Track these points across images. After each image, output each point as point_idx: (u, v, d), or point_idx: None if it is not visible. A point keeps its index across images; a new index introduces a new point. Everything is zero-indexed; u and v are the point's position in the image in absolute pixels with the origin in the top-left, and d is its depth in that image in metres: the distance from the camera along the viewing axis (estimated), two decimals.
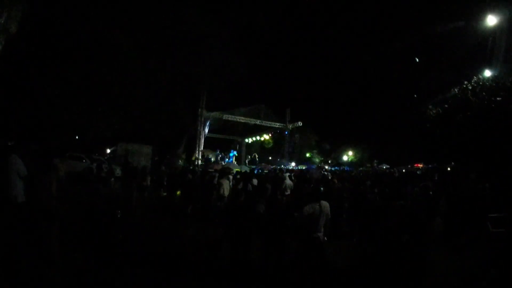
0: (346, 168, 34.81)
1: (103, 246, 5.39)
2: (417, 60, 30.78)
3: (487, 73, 14.96)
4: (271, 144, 32.46)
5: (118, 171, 15.40)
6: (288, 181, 9.97)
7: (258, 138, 32.07)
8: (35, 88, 17.05)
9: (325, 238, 4.40)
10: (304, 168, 27.10)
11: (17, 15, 13.14)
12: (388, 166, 33.31)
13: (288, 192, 9.34)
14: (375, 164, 38.79)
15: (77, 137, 22.69)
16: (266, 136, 30.65)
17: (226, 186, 8.96)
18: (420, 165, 28.63)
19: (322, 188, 4.73)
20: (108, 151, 26.36)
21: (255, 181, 9.93)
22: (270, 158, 38.76)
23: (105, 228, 5.53)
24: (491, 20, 14.22)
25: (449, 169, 17.26)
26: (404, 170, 23.35)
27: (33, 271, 4.30)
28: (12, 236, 4.63)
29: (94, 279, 4.53)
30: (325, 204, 4.41)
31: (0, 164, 5.25)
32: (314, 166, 31.48)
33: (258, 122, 26.86)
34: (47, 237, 4.48)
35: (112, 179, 13.29)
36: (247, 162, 29.07)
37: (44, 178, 4.91)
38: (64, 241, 4.94)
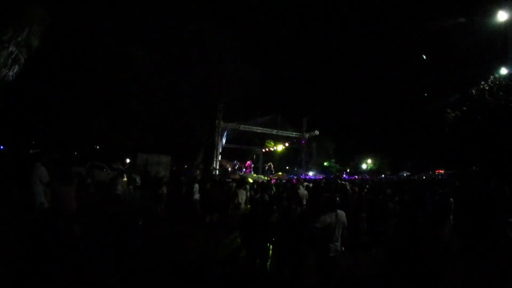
0: (366, 176, 34.27)
1: (124, 252, 5.54)
2: (425, 57, 30.19)
3: (503, 71, 14.51)
4: (284, 149, 32.37)
5: (138, 181, 15.75)
6: (303, 191, 9.92)
7: (275, 148, 32.08)
8: (58, 100, 17.75)
9: (343, 248, 4.35)
10: (321, 177, 26.86)
11: (39, 30, 13.75)
12: (408, 173, 32.57)
13: (304, 202, 9.30)
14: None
15: (97, 147, 23.36)
16: (282, 146, 30.61)
17: (242, 196, 9.02)
18: (442, 171, 27.88)
19: (338, 198, 4.67)
20: (128, 160, 26.95)
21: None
22: (287, 167, 38.59)
23: (126, 235, 5.67)
24: (502, 16, 13.81)
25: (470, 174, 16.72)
26: (424, 177, 22.81)
27: (60, 272, 4.47)
28: (41, 239, 4.83)
29: (114, 283, 4.67)
30: (341, 213, 4.37)
31: (25, 172, 5.51)
32: (331, 176, 31.13)
33: (274, 132, 26.91)
34: (72, 239, 4.66)
35: (131, 186, 13.66)
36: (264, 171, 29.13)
37: (66, 185, 5.10)
38: (88, 245, 5.12)
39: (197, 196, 11.36)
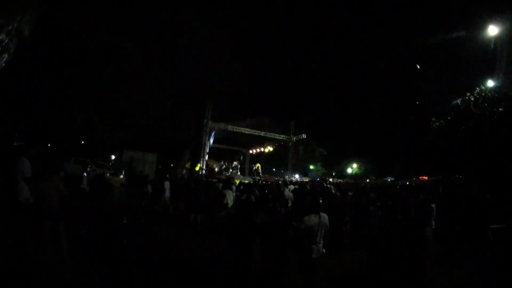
0: (350, 181, 34.67)
1: (108, 250, 5.49)
2: (418, 67, 30.91)
3: (490, 83, 14.95)
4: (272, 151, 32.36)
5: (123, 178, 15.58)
6: (288, 193, 10.03)
7: (262, 149, 32.12)
8: (45, 92, 17.44)
9: (324, 250, 4.44)
10: (307, 180, 27.07)
11: (30, 19, 13.41)
12: (392, 179, 33.13)
13: (290, 203, 9.41)
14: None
15: (83, 142, 22.99)
16: (270, 148, 30.68)
17: (230, 197, 9.04)
18: (426, 178, 28.45)
19: (321, 200, 4.77)
20: (113, 157, 26.61)
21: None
22: (273, 169, 38.73)
23: (111, 233, 5.63)
24: (492, 30, 14.28)
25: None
26: (408, 183, 23.23)
27: (43, 270, 4.41)
28: (24, 236, 4.75)
29: (99, 282, 4.65)
30: (324, 216, 4.47)
31: (8, 166, 5.38)
32: (317, 178, 31.40)
33: (262, 133, 26.98)
34: (56, 237, 4.60)
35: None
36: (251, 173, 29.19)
37: (50, 180, 5.01)
38: (72, 243, 5.06)
39: (167, 193, 11.47)
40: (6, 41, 12.11)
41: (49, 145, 18.28)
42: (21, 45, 13.50)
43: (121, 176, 11.39)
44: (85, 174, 12.74)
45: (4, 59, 12.46)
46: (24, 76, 15.87)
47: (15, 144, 14.77)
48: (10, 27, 12.08)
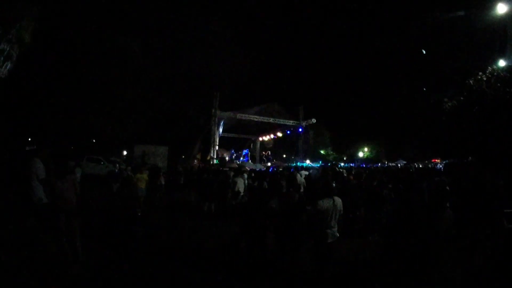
0: (362, 165, 34.48)
1: (125, 242, 5.60)
2: (424, 52, 30.22)
3: (501, 63, 14.54)
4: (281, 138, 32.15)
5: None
6: (300, 178, 10.03)
7: (272, 136, 32.00)
8: (52, 95, 17.63)
9: (337, 234, 4.41)
10: (319, 165, 27.01)
11: (30, 25, 13.45)
12: (405, 162, 32.78)
13: (302, 189, 9.41)
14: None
15: (94, 141, 23.33)
16: (279, 134, 30.55)
17: (241, 184, 9.09)
18: (438, 160, 28.07)
19: (334, 184, 4.72)
20: (125, 153, 26.96)
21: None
22: (284, 156, 38.68)
23: (127, 226, 5.72)
24: (502, 8, 13.78)
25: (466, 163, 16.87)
26: (421, 166, 22.96)
27: (59, 266, 4.53)
28: (40, 235, 4.86)
29: (115, 273, 4.75)
30: (338, 200, 4.42)
31: (22, 169, 5.50)
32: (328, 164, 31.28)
33: (271, 120, 26.84)
34: (71, 234, 4.68)
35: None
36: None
37: (64, 178, 5.08)
38: (88, 238, 5.16)
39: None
40: (8, 49, 12.20)
41: (60, 146, 18.60)
42: (23, 52, 13.59)
43: (146, 172, 10.39)
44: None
45: (8, 67, 12.57)
46: (29, 81, 16.04)
47: (27, 149, 15.07)
48: (10, 36, 12.14)
